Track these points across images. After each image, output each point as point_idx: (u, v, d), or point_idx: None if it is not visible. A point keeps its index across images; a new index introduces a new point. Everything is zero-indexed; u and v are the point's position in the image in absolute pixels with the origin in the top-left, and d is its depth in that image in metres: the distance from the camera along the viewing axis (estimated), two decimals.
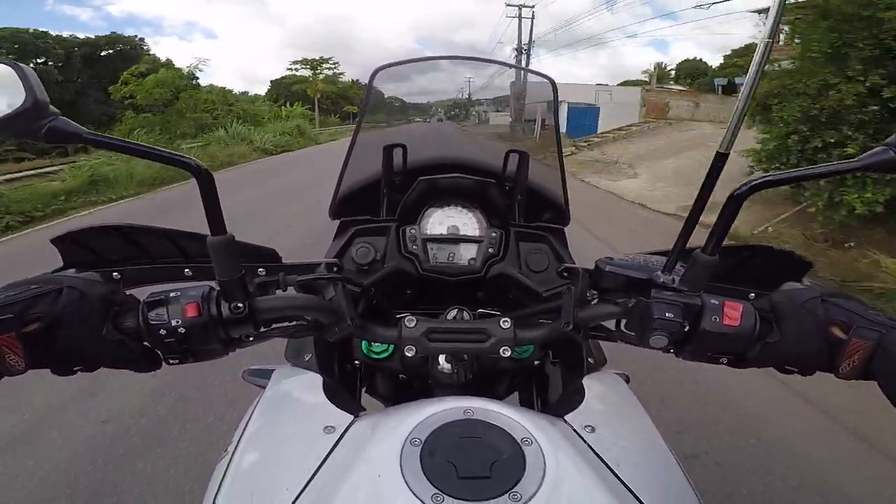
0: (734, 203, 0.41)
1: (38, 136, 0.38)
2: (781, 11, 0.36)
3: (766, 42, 0.36)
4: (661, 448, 0.50)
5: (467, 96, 1.11)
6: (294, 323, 0.54)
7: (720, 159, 0.40)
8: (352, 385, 0.76)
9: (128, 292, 0.48)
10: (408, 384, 0.76)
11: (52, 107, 0.38)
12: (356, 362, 0.74)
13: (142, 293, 0.50)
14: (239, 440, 0.51)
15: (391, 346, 0.71)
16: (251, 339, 0.49)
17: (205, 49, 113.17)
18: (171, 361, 0.47)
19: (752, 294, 0.62)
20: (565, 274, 0.69)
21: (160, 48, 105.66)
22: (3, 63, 0.40)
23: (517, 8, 20.90)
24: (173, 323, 0.44)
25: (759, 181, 0.41)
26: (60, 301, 0.42)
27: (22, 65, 0.40)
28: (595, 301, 0.57)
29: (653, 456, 0.49)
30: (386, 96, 0.90)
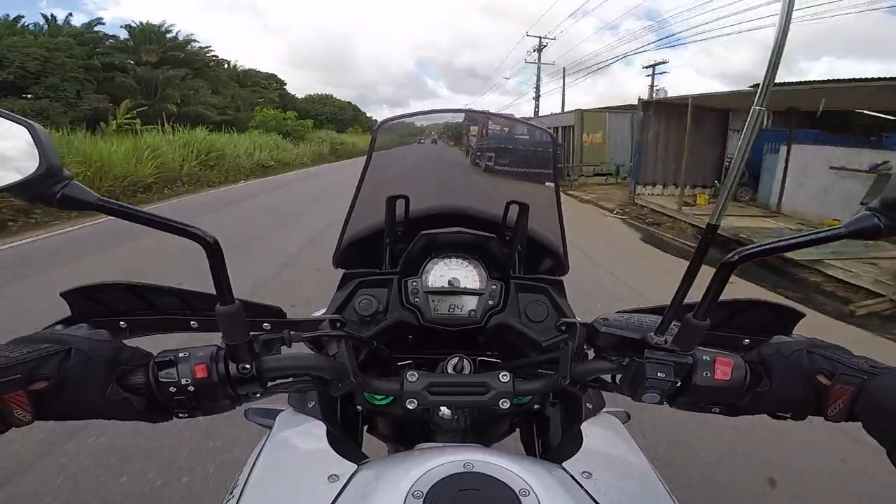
0: (724, 271, 0.42)
1: (52, 201, 0.36)
2: (772, 79, 0.36)
3: (756, 110, 0.36)
4: (658, 489, 0.52)
5: (470, 144, 1.14)
6: (299, 379, 0.55)
7: (710, 230, 0.41)
8: (354, 427, 0.77)
9: (135, 343, 0.49)
10: (409, 425, 0.76)
11: (65, 170, 0.37)
12: (358, 407, 0.74)
13: (145, 342, 0.50)
14: (245, 485, 0.51)
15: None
16: (258, 395, 0.50)
17: None
18: (180, 415, 0.48)
19: (747, 340, 0.64)
20: (563, 328, 0.69)
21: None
22: (18, 122, 0.38)
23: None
24: (183, 382, 0.45)
25: (749, 251, 0.41)
26: (68, 362, 0.42)
27: (36, 125, 0.38)
28: (592, 356, 0.58)
29: (649, 497, 0.51)
30: (389, 146, 0.92)
